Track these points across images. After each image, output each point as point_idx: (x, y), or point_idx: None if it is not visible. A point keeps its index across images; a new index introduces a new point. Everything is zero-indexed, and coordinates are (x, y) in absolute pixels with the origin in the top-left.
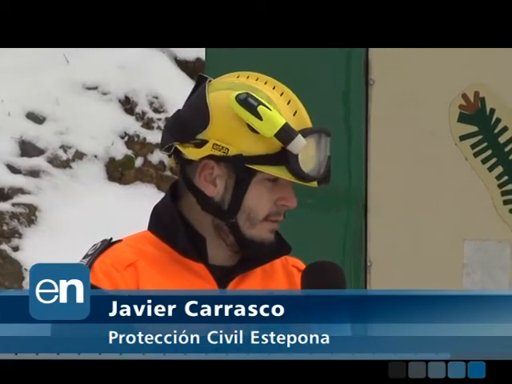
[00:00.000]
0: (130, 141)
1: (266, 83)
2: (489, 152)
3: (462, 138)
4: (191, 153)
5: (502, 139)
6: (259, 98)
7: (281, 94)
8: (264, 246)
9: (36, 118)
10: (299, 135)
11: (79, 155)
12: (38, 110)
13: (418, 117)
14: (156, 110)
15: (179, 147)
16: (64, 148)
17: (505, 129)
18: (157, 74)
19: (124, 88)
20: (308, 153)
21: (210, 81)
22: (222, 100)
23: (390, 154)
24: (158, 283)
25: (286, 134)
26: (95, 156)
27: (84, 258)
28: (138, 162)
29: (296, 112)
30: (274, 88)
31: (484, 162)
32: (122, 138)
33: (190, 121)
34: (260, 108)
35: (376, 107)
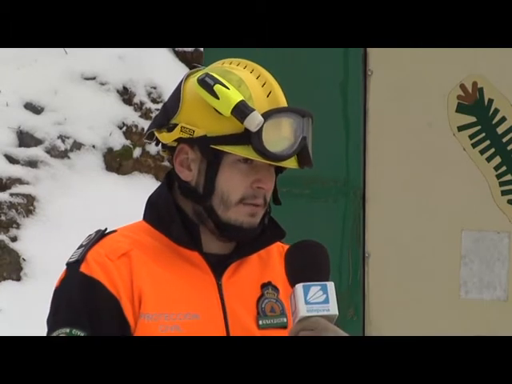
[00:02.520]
0: (128, 131)
1: (245, 67)
2: (487, 142)
3: (460, 128)
4: (164, 137)
5: (500, 130)
6: (217, 78)
7: (257, 77)
8: (242, 229)
9: (34, 109)
10: (254, 112)
11: (77, 145)
12: (36, 100)
13: (416, 107)
14: (154, 101)
15: (156, 133)
16: (62, 138)
17: (503, 119)
18: (155, 65)
19: (122, 78)
20: (275, 132)
21: (196, 68)
22: (192, 84)
23: (388, 145)
24: (152, 272)
25: (240, 111)
26: (93, 146)
27: (78, 248)
28: (136, 152)
29: (270, 93)
30: (252, 71)
31: (482, 152)
32: (120, 128)
33: (167, 107)
34: (216, 87)
35: (374, 98)
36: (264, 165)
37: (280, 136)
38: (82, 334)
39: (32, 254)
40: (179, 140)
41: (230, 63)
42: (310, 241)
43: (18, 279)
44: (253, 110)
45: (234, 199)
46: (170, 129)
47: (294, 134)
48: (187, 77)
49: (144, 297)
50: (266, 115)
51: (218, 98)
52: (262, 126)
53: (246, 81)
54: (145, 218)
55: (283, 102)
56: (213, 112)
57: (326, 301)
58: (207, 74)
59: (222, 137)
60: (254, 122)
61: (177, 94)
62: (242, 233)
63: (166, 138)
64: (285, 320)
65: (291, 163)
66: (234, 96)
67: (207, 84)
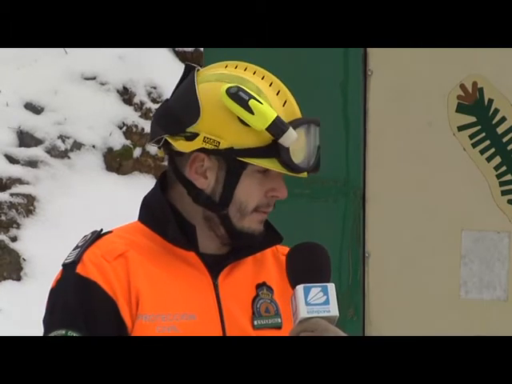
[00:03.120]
0: (129, 131)
1: (254, 73)
2: (487, 142)
3: (460, 128)
4: (182, 146)
5: (500, 130)
6: (250, 92)
7: (270, 85)
8: (254, 236)
9: (34, 109)
10: (290, 128)
11: (77, 145)
12: (36, 100)
13: (416, 107)
14: (154, 101)
15: (169, 140)
16: (62, 138)
17: (503, 119)
18: (155, 65)
19: (122, 78)
20: (298, 144)
21: (197, 70)
22: (212, 92)
23: (388, 145)
24: (149, 273)
25: (277, 127)
26: (93, 146)
27: (74, 249)
28: (136, 152)
29: (286, 102)
30: (263, 78)
31: (482, 152)
32: (120, 128)
33: (180, 113)
34: (251, 102)
35: (374, 98)
36: (278, 174)
37: (300, 147)
38: (78, 336)
39: (32, 254)
40: (203, 151)
41: (236, 67)
42: (310, 243)
43: (18, 279)
44: (288, 126)
45: (251, 208)
46: (190, 138)
47: (312, 145)
48: (195, 80)
49: (141, 298)
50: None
51: (252, 114)
52: None
53: (263, 90)
54: (140, 218)
55: (298, 111)
56: (239, 124)
57: (327, 302)
58: (239, 88)
59: (248, 149)
60: (290, 138)
61: (190, 99)
62: (253, 240)
63: (185, 146)
64: (279, 320)
65: (304, 173)
66: (270, 112)
67: (242, 99)
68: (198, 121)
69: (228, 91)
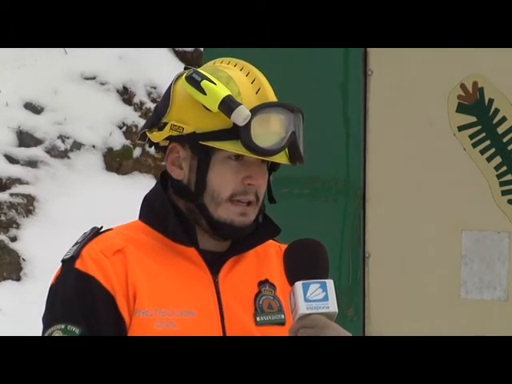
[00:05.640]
0: (128, 131)
1: (235, 66)
2: (487, 142)
3: (461, 128)
4: (155, 136)
5: (500, 129)
6: (205, 74)
7: (247, 75)
8: (234, 227)
9: (34, 109)
10: (241, 105)
11: (77, 145)
12: (36, 100)
13: (417, 107)
14: (154, 101)
15: (147, 133)
16: (62, 138)
17: (503, 119)
18: (155, 65)
19: (122, 78)
20: (266, 127)
21: (187, 68)
22: (181, 82)
23: (388, 145)
24: (148, 268)
25: (227, 105)
26: (93, 146)
27: (73, 245)
28: (136, 152)
29: (259, 89)
30: (241, 69)
31: (482, 152)
32: (120, 128)
33: (158, 107)
34: (203, 82)
35: (374, 98)
36: (255, 161)
37: (268, 131)
38: (77, 330)
39: (32, 254)
40: (169, 138)
41: (221, 62)
42: (308, 239)
43: (18, 279)
44: (239, 104)
45: (225, 196)
46: (161, 128)
47: (283, 129)
48: (177, 77)
49: (139, 293)
50: (255, 110)
51: (205, 94)
52: (251, 120)
53: (234, 78)
54: (140, 217)
55: (273, 99)
56: (201, 109)
57: (326, 298)
58: (194, 71)
59: (210, 133)
60: (241, 115)
61: (167, 93)
62: (233, 231)
63: (157, 136)
64: (282, 317)
65: (281, 158)
66: (221, 91)
67: (194, 80)
68: (168, 110)
69: (186, 75)
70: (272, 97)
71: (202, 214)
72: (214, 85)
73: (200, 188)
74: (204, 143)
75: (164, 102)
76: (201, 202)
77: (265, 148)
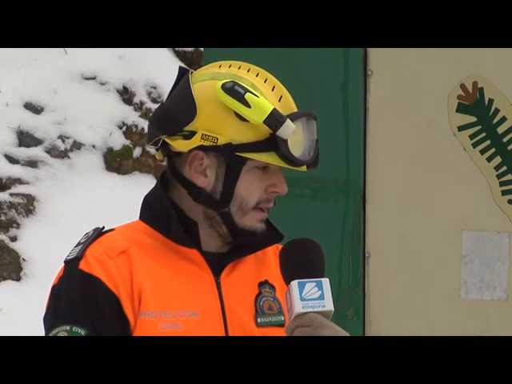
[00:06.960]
0: (128, 131)
1: (248, 71)
2: (487, 142)
3: (461, 128)
4: (180, 145)
5: (500, 129)
6: (246, 86)
7: (264, 81)
8: (256, 234)
9: (34, 109)
10: (288, 120)
11: (77, 145)
12: (36, 100)
13: (417, 107)
14: (154, 100)
15: (167, 140)
16: (62, 138)
17: (503, 119)
18: (155, 65)
19: (122, 78)
20: (297, 137)
21: (191, 72)
22: (207, 90)
23: (388, 145)
24: (152, 270)
25: (274, 119)
26: (93, 146)
27: (76, 246)
28: (136, 152)
29: (281, 97)
30: (257, 75)
31: (482, 152)
32: (120, 128)
33: (177, 113)
34: (247, 95)
35: (374, 98)
36: (277, 169)
37: (298, 140)
38: (83, 332)
39: (32, 254)
40: (201, 148)
41: (229, 66)
42: (303, 238)
43: (18, 279)
44: (286, 118)
45: (251, 204)
46: (187, 136)
47: (310, 138)
48: (190, 80)
49: (144, 294)
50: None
51: (249, 107)
52: None
53: (258, 86)
54: (141, 217)
55: (294, 105)
56: (236, 119)
57: (322, 297)
58: (235, 82)
59: (247, 144)
60: (288, 130)
61: (186, 99)
62: (255, 238)
63: (183, 145)
64: (282, 318)
65: (303, 167)
66: (267, 105)
67: (237, 93)
68: (195, 119)
69: (223, 86)
70: (293, 103)
71: (224, 221)
72: (257, 98)
73: (227, 196)
74: (240, 154)
75: (186, 109)
76: (226, 211)
77: (300, 159)
